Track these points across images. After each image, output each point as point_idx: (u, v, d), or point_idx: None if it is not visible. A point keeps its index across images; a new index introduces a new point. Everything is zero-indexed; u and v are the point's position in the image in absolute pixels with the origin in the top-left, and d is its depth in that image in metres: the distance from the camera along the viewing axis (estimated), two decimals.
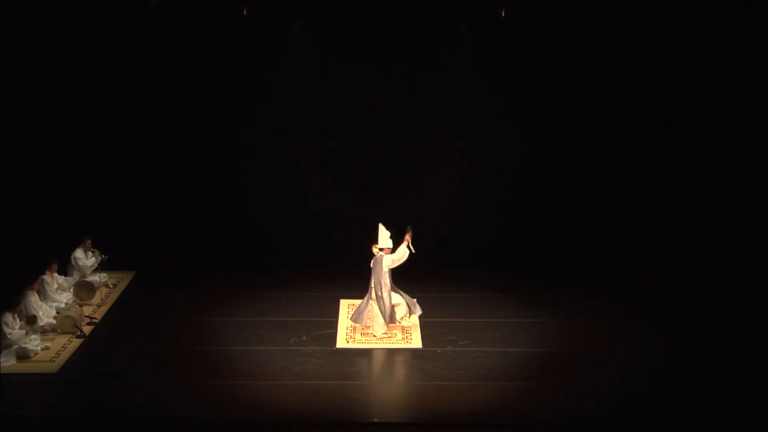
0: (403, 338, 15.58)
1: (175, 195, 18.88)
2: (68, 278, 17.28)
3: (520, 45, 18.40)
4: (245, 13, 16.82)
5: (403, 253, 15.37)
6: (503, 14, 16.73)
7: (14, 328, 14.73)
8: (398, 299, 15.55)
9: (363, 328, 15.61)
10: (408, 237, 15.38)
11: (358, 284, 17.63)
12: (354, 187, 19.05)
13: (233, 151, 18.96)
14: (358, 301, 17.02)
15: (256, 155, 18.97)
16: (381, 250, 15.49)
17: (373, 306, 15.44)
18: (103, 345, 15.47)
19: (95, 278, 17.39)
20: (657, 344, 15.41)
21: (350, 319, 15.77)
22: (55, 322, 15.67)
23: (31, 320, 15.22)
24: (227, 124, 18.78)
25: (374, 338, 15.48)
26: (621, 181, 18.71)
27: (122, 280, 18.20)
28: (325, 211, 19.03)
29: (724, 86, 17.13)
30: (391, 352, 15.08)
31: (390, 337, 15.49)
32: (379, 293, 15.33)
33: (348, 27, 18.45)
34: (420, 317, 16.41)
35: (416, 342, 15.45)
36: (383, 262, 15.34)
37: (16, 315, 14.91)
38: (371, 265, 15.51)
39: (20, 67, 17.26)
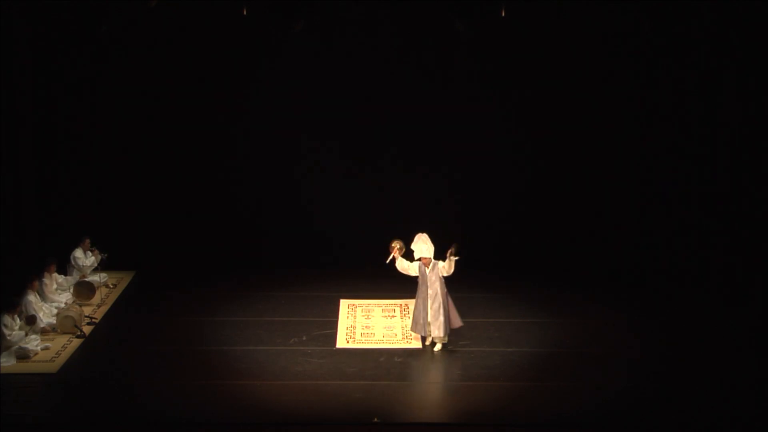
0: (403, 338, 15.58)
1: (175, 195, 18.89)
2: (68, 278, 17.28)
3: (520, 45, 18.40)
4: (245, 13, 16.82)
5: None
6: (503, 14, 16.74)
7: (14, 328, 14.73)
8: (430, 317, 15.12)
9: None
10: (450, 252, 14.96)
11: (358, 284, 17.69)
12: (354, 188, 19.04)
13: (233, 151, 18.96)
14: (358, 301, 17.06)
15: (255, 155, 18.98)
16: (426, 259, 15.05)
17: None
18: (103, 345, 15.47)
19: (95, 278, 17.39)
20: (657, 344, 15.41)
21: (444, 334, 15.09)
22: (55, 322, 15.67)
23: (30, 320, 15.22)
24: (227, 123, 18.78)
25: (374, 338, 15.47)
26: (621, 181, 18.71)
27: (122, 280, 18.19)
28: (326, 211, 19.03)
29: (725, 86, 17.13)
30: (391, 353, 15.07)
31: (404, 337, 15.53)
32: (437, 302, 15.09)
33: (347, 27, 18.45)
34: None
35: (416, 342, 15.45)
36: (440, 270, 14.98)
37: (15, 315, 14.91)
38: (432, 273, 15.00)
39: (20, 66, 17.26)
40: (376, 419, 12.96)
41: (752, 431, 12.84)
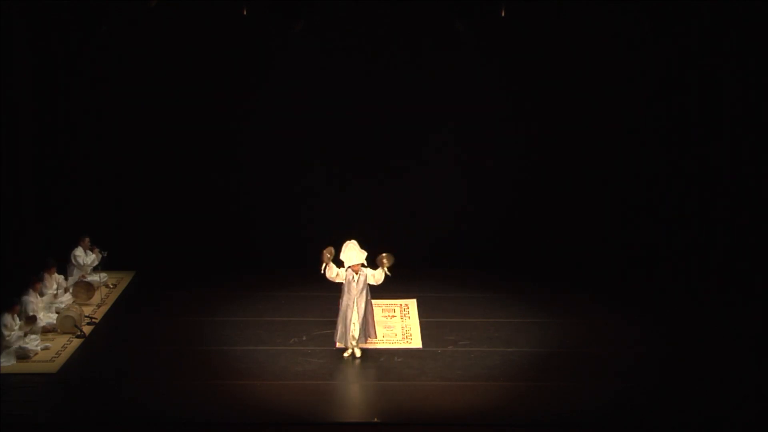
0: (403, 338, 15.58)
1: (175, 195, 18.88)
2: (68, 278, 17.26)
3: (520, 45, 18.40)
4: (245, 13, 16.82)
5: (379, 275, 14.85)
6: (503, 14, 16.74)
7: (13, 328, 14.73)
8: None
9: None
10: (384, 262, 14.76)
11: None
12: (354, 187, 19.03)
13: (232, 151, 18.95)
14: None
15: (255, 155, 18.96)
16: (356, 266, 14.81)
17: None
18: (103, 345, 15.48)
19: (95, 278, 17.40)
20: (657, 344, 15.42)
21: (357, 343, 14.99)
22: (55, 322, 15.67)
23: (30, 320, 15.22)
24: (227, 123, 18.77)
25: (374, 338, 15.44)
26: (621, 181, 18.71)
27: (122, 280, 18.20)
28: (325, 211, 19.00)
29: (725, 85, 17.13)
30: (391, 352, 15.07)
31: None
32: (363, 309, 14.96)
33: (347, 27, 18.44)
34: (420, 317, 16.43)
35: (416, 342, 15.45)
36: (368, 278, 14.85)
37: (15, 315, 14.91)
38: (358, 282, 14.82)
39: (20, 66, 17.26)
40: (376, 419, 12.97)
41: (752, 431, 12.84)
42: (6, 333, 14.56)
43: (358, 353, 14.82)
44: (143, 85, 18.48)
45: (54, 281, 16.72)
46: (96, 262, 17.51)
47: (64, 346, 15.22)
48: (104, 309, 16.83)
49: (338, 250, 14.85)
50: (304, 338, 15.51)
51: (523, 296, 17.47)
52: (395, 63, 18.60)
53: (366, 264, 14.77)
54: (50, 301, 16.23)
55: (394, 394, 13.80)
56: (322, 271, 14.75)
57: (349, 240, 14.91)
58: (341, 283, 14.86)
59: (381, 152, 18.94)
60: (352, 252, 14.75)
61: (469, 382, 14.06)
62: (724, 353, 14.94)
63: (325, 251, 14.69)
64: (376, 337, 15.15)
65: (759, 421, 12.92)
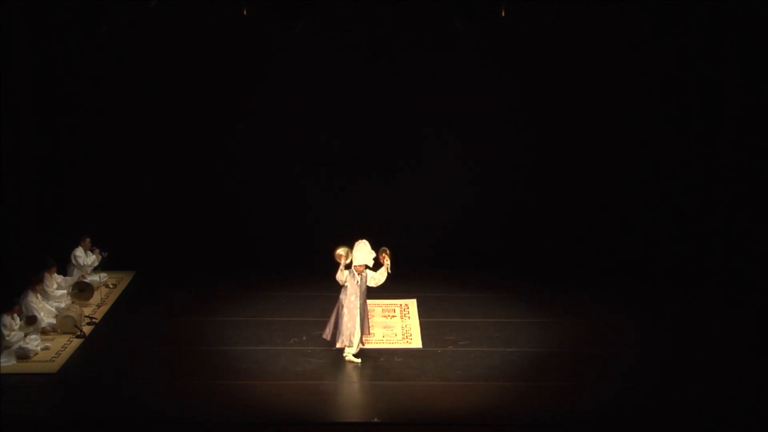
0: (403, 338, 15.58)
1: (175, 195, 18.88)
2: (67, 278, 17.27)
3: (520, 45, 18.40)
4: (245, 13, 16.83)
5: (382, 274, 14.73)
6: (503, 14, 16.74)
7: (13, 329, 14.73)
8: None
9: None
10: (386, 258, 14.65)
11: None
12: (354, 187, 19.03)
13: (233, 151, 18.95)
14: None
15: (255, 155, 18.96)
16: (360, 267, 14.69)
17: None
18: (103, 345, 15.48)
19: (95, 278, 17.40)
20: (657, 344, 15.42)
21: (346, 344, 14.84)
22: (55, 322, 15.67)
23: (30, 320, 15.23)
24: (227, 123, 18.77)
25: (374, 338, 15.43)
26: (621, 181, 18.71)
27: (122, 280, 18.19)
28: (325, 211, 19.01)
29: (725, 86, 17.14)
30: (391, 352, 15.07)
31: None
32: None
33: (347, 27, 18.44)
34: (420, 317, 16.43)
35: (416, 342, 15.45)
36: (368, 280, 14.76)
37: (15, 315, 14.91)
38: (360, 284, 14.69)
39: (20, 66, 17.26)
40: (376, 419, 12.97)
41: (752, 431, 12.84)
42: (6, 333, 14.57)
43: (356, 360, 14.76)
44: (143, 85, 18.48)
45: (54, 281, 16.74)
46: (96, 263, 17.52)
47: (64, 346, 15.22)
48: (104, 309, 16.83)
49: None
50: (304, 338, 15.52)
51: (523, 296, 17.46)
52: (395, 63, 18.60)
53: (370, 266, 14.76)
54: (52, 300, 16.24)
55: (394, 394, 13.80)
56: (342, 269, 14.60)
57: (361, 239, 14.80)
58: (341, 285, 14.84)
59: (381, 152, 18.94)
60: (360, 253, 14.68)
61: (469, 382, 14.06)
62: (724, 353, 14.94)
63: (340, 253, 14.60)
64: (369, 334, 15.15)
65: (759, 421, 12.92)
